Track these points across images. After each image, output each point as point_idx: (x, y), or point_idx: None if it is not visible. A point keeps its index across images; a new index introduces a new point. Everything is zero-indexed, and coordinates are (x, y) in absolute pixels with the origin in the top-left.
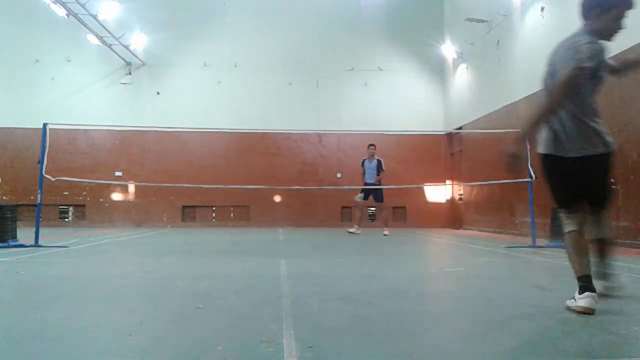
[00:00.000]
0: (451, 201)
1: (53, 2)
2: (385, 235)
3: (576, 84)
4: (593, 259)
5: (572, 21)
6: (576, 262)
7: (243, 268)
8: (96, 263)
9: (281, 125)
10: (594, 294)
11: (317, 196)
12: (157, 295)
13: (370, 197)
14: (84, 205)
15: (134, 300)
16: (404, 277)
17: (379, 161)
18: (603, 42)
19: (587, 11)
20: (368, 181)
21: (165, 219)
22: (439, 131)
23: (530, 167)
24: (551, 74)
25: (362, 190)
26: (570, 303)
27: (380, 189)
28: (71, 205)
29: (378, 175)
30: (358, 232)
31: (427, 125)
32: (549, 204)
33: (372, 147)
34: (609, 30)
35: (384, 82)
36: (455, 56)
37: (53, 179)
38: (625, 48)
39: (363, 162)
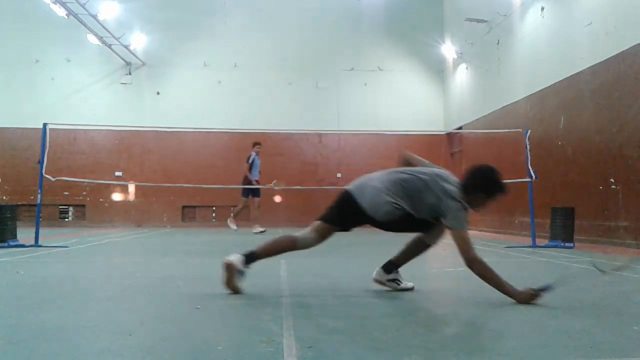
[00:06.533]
0: None
1: (53, 2)
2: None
3: None
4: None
5: (572, 21)
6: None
7: None
8: (96, 263)
9: (281, 125)
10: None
11: (317, 196)
12: (157, 295)
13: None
14: (84, 205)
15: (134, 300)
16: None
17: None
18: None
19: (472, 188)
20: (256, 178)
21: (165, 219)
22: (439, 131)
23: (530, 167)
24: (416, 195)
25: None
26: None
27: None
28: (71, 205)
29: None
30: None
31: (427, 125)
32: (549, 204)
33: (260, 145)
34: (478, 207)
35: (383, 82)
36: (455, 56)
37: (53, 179)
38: (625, 48)
39: (253, 159)
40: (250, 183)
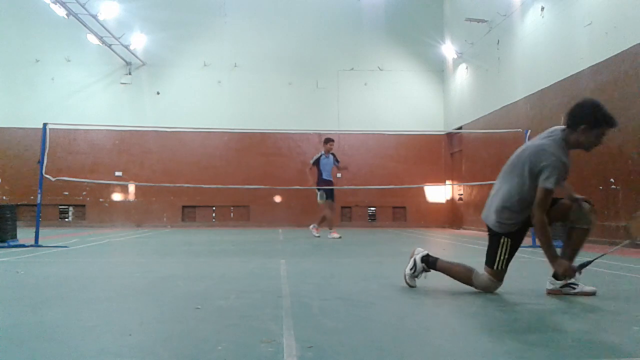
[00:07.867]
0: (451, 201)
1: (53, 2)
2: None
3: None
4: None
5: (572, 21)
6: None
7: (243, 268)
8: (96, 263)
9: (281, 125)
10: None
11: (316, 196)
12: (157, 295)
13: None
14: (84, 205)
15: (134, 300)
16: (399, 278)
17: (334, 155)
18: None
19: (574, 124)
20: (328, 178)
21: (165, 219)
22: (439, 131)
23: None
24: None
25: (321, 189)
26: None
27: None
28: (71, 205)
29: (338, 169)
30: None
31: (427, 125)
32: None
33: (332, 142)
34: (590, 144)
35: (384, 82)
36: (455, 56)
37: (53, 179)
38: (625, 48)
39: (318, 159)
40: (320, 184)
